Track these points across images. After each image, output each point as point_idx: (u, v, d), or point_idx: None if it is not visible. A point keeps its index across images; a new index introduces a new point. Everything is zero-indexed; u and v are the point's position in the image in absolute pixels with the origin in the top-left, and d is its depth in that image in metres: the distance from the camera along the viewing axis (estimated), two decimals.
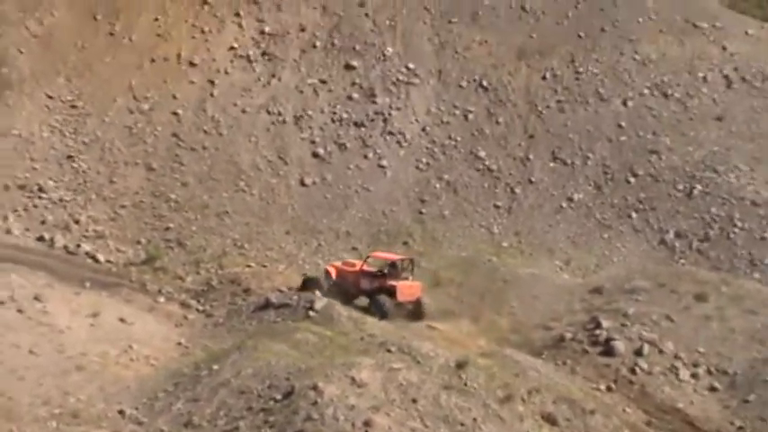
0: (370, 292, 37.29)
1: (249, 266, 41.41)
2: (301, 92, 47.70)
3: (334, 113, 47.48)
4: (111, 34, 46.52)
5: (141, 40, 46.67)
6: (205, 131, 45.67)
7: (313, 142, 46.50)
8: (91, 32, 46.20)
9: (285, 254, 42.88)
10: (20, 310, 33.00)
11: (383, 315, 36.57)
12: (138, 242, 41.21)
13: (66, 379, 30.44)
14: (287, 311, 35.94)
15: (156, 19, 47.37)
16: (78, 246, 40.46)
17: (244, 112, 46.54)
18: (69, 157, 43.51)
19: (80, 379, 30.65)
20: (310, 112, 47.23)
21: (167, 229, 42.55)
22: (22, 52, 44.91)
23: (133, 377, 31.56)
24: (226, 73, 47.17)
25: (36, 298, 34.05)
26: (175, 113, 45.73)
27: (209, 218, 43.36)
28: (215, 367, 31.18)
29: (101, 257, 40.16)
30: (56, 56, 45.41)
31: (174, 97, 46.09)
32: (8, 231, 39.60)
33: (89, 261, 39.80)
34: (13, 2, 45.50)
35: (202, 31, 47.53)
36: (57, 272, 37.49)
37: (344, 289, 37.49)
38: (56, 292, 35.52)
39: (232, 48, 47.80)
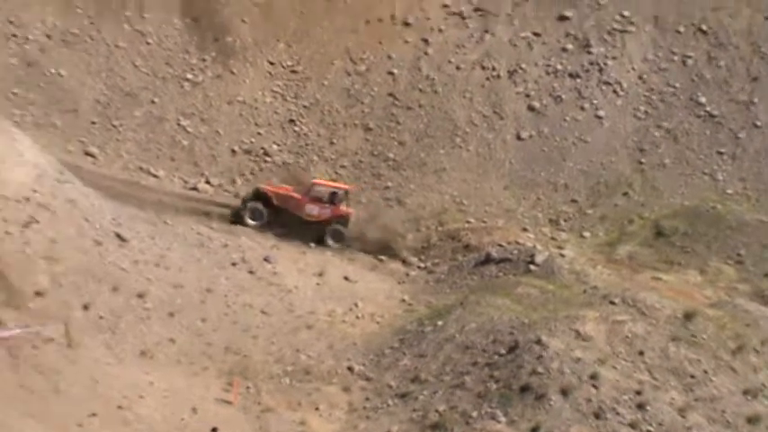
0: (322, 220, 38.52)
1: (468, 222, 41.71)
2: (515, 45, 47.38)
3: (549, 66, 47.01)
4: None
5: (356, 2, 47.12)
6: (420, 90, 45.97)
7: (528, 96, 46.21)
8: None
9: (504, 209, 42.94)
10: (251, 271, 34.39)
11: (341, 243, 38.58)
12: (359, 201, 41.99)
13: (296, 337, 31.61)
14: (508, 266, 36.12)
15: None
16: None
17: (458, 68, 46.59)
18: (291, 120, 44.59)
19: (309, 337, 31.76)
20: (524, 66, 46.90)
21: (386, 188, 43.22)
22: (244, 21, 46.12)
23: (359, 334, 32.44)
24: (439, 31, 47.29)
25: (265, 259, 35.37)
26: (391, 73, 46.21)
27: (427, 175, 43.77)
28: (439, 323, 31.71)
29: None
30: (276, 23, 46.38)
31: (390, 57, 46.54)
32: (236, 195, 41.01)
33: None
34: None
35: None
36: (282, 233, 38.68)
37: (283, 214, 38.47)
38: (283, 253, 36.78)
39: (445, 5, 47.80)
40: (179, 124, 43.24)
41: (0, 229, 28.75)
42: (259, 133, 43.91)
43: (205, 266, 33.45)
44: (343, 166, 43.47)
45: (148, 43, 44.97)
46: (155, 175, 40.92)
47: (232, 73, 45.18)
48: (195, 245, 34.69)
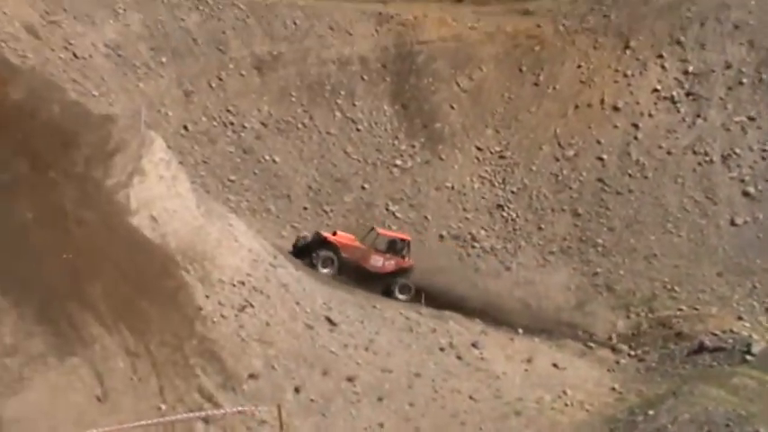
0: (387, 272, 37.88)
1: (680, 309, 40.57)
2: (728, 130, 46.23)
3: (764, 150, 45.62)
4: (536, 84, 47.37)
5: (565, 88, 47.17)
6: (630, 175, 45.34)
7: (742, 181, 44.91)
8: (517, 84, 47.25)
9: (717, 296, 41.57)
10: (459, 357, 34.30)
11: (408, 296, 37.77)
12: (568, 288, 41.50)
13: (504, 423, 31.27)
14: (722, 355, 34.98)
15: (579, 66, 47.68)
16: (510, 293, 41.07)
17: (669, 153, 45.77)
18: (499, 206, 44.66)
19: (518, 424, 31.38)
20: (738, 151, 45.67)
21: (595, 273, 42.62)
22: (453, 107, 46.71)
23: (569, 422, 31.87)
24: (650, 115, 46.66)
25: (473, 344, 35.26)
26: (600, 158, 45.81)
27: (637, 261, 42.94)
28: (650, 413, 30.88)
29: (532, 304, 40.78)
30: (484, 109, 46.80)
31: (599, 142, 46.17)
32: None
33: (521, 307, 40.51)
34: (445, 60, 47.47)
35: (625, 75, 47.31)
36: (491, 319, 38.50)
37: (351, 266, 37.58)
38: (491, 339, 36.58)
39: (655, 90, 47.22)
40: (388, 209, 43.91)
41: (216, 312, 29.63)
42: (467, 218, 44.13)
43: (413, 351, 33.56)
44: (551, 252, 43.15)
45: (359, 130, 46.01)
46: None
47: (440, 159, 45.71)
48: (403, 329, 34.87)
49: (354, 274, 37.95)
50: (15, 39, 38.67)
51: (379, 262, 38.60)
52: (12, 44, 38.06)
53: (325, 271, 37.57)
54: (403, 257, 39.07)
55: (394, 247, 39.07)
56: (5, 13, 39.32)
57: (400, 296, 38.30)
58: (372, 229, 40.37)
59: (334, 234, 39.07)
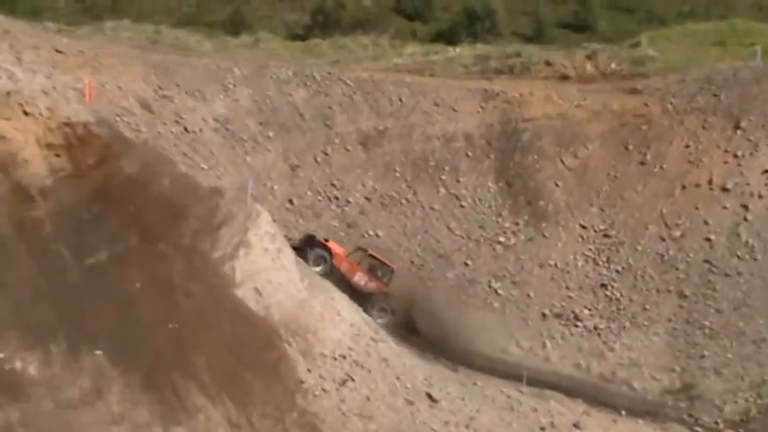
0: (366, 291, 38.61)
1: None
2: None
3: None
4: (643, 163, 46.92)
5: (672, 167, 46.63)
6: (739, 257, 44.47)
7: None
8: (623, 163, 46.84)
9: None
10: None
11: (385, 320, 37.98)
12: (673, 370, 40.80)
13: None
14: None
15: (688, 146, 47.15)
16: (613, 373, 40.91)
17: None
18: (603, 285, 44.18)
19: None
20: None
21: (702, 356, 41.81)
22: (557, 185, 46.56)
23: None
24: (760, 196, 45.87)
25: (575, 425, 34.79)
26: (708, 239, 45.07)
27: (745, 345, 42.02)
28: None
29: (636, 385, 40.23)
30: (589, 187, 46.49)
31: (706, 223, 45.47)
32: (546, 359, 40.81)
33: (624, 389, 39.98)
34: (551, 138, 47.37)
35: (735, 156, 46.65)
36: (593, 399, 38.02)
37: (337, 275, 38.14)
38: (593, 420, 36.08)
39: (766, 171, 46.50)
40: (490, 286, 43.75)
41: (317, 385, 29.75)
42: (570, 297, 43.73)
43: (514, 430, 33.26)
44: (656, 333, 42.45)
45: (462, 206, 46.07)
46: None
47: (544, 236, 45.46)
48: (504, 408, 34.63)
49: (339, 284, 37.75)
50: (130, 113, 39.79)
51: (362, 280, 39.74)
52: (126, 118, 39.16)
53: (317, 269, 37.96)
54: (384, 283, 40.08)
55: (374, 272, 40.32)
56: (120, 87, 40.54)
57: (378, 320, 38.11)
58: (359, 248, 41.30)
59: (326, 241, 40.46)
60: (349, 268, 39.95)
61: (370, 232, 44.44)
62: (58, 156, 27.20)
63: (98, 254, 26.77)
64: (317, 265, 38.69)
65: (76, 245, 26.37)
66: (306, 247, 39.20)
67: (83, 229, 26.70)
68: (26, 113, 26.55)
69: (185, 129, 41.91)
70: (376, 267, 40.67)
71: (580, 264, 44.70)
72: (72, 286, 25.75)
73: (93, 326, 25.50)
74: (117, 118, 38.47)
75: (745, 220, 45.38)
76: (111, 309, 26.22)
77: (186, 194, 30.63)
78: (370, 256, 40.99)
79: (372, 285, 40.03)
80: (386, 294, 40.02)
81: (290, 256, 32.56)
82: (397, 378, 32.20)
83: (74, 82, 33.31)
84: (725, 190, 46.09)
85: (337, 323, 32.26)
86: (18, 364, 23.44)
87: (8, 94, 26.35)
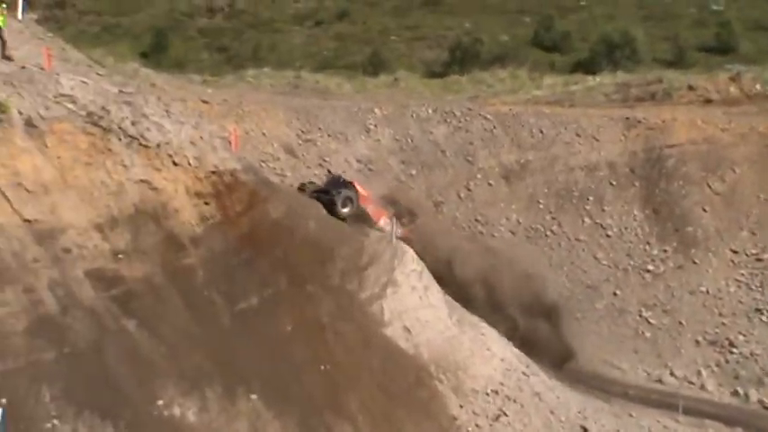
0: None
1: None
2: None
3: None
4: None
5: None
6: None
7: None
8: None
9: None
10: None
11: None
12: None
13: None
14: None
15: None
16: None
17: None
18: (757, 310, 43.11)
19: None
20: None
21: None
22: (705, 210, 45.74)
23: None
24: None
25: None
26: None
27: None
28: None
29: None
30: (738, 211, 45.55)
31: None
32: (702, 387, 40.00)
33: None
34: (696, 163, 46.69)
35: None
36: (754, 428, 37.09)
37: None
38: None
39: None
40: (641, 315, 43.13)
41: (471, 421, 29.76)
42: (723, 323, 42.77)
43: None
44: None
45: (609, 236, 45.63)
46: (618, 368, 40.86)
47: (694, 263, 44.65)
48: None
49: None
50: (274, 158, 40.74)
51: (388, 225, 36.85)
52: (271, 163, 40.10)
53: (345, 210, 35.76)
54: (409, 230, 38.36)
55: (400, 218, 38.39)
56: (264, 134, 41.57)
57: (342, 210, 35.82)
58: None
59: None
60: (375, 211, 37.96)
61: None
62: (207, 204, 27.84)
63: (249, 298, 27.30)
64: (344, 207, 36.17)
65: (227, 291, 26.94)
66: (332, 189, 36.87)
67: (233, 274, 27.27)
68: (175, 164, 27.24)
69: (329, 171, 42.62)
70: (402, 213, 39.22)
71: (732, 289, 43.73)
72: (225, 331, 26.29)
73: (247, 370, 25.98)
74: (262, 164, 39.40)
75: None
76: (264, 352, 26.71)
77: (332, 236, 31.14)
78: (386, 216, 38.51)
79: (397, 231, 37.88)
80: (409, 241, 37.67)
81: (437, 293, 32.72)
82: (551, 412, 31.99)
83: (220, 131, 34.21)
84: None
85: (488, 358, 32.24)
86: (177, 410, 23.89)
87: (158, 145, 27.07)
